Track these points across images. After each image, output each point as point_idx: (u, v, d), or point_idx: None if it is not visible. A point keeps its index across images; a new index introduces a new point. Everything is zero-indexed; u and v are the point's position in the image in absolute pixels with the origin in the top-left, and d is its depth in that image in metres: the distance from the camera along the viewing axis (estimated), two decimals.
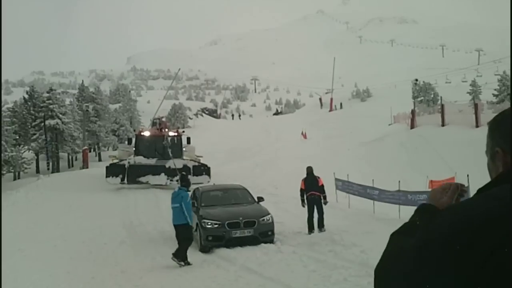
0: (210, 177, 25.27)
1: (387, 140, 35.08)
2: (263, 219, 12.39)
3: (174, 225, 11.01)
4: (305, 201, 14.15)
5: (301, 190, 14.42)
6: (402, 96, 60.21)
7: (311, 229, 13.52)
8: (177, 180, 22.63)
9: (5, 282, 9.62)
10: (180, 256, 10.37)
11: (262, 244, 11.78)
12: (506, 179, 1.28)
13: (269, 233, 12.29)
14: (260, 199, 14.09)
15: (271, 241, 12.13)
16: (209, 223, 12.16)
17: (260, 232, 12.14)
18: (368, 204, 17.83)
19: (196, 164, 26.17)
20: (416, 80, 57.39)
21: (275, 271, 9.03)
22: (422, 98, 56.25)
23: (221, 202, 13.77)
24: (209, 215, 12.47)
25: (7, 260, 12.02)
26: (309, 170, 14.79)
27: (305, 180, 14.48)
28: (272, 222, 12.51)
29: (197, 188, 15.27)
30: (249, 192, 14.74)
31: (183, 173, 12.14)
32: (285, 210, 18.32)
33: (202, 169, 25.66)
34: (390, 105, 51.79)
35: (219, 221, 12.14)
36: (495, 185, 1.31)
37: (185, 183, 11.51)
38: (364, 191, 18.74)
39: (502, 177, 1.32)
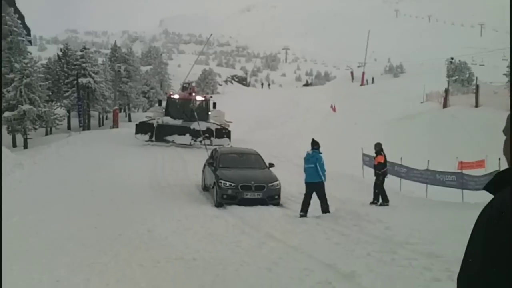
0: (230, 140, 26.90)
1: (418, 118, 34.70)
2: (272, 185, 13.67)
3: (308, 183, 12.32)
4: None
5: (381, 164, 14.85)
6: (436, 74, 59.00)
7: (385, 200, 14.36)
8: (200, 141, 25.24)
9: (34, 233, 9.94)
10: (326, 207, 12.05)
11: (288, 214, 11.99)
12: None
13: (276, 197, 13.63)
14: (271, 165, 15.35)
15: (277, 204, 13.52)
16: (225, 184, 13.51)
17: (268, 196, 13.49)
18: (395, 182, 17.77)
19: (219, 127, 27.68)
20: (452, 58, 56.04)
21: (299, 241, 9.08)
22: (457, 77, 54.98)
23: (237, 165, 15.01)
24: (225, 177, 13.78)
25: (37, 212, 12.42)
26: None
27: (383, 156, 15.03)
28: (279, 187, 13.80)
29: (216, 149, 17.00)
30: (261, 158, 15.83)
31: (313, 138, 12.87)
32: None
33: (224, 133, 27.31)
34: (423, 83, 50.88)
35: (234, 183, 13.52)
36: None
37: (317, 146, 12.66)
38: (391, 168, 18.64)
39: None
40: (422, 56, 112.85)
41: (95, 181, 16.99)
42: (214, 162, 15.15)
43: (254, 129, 38.21)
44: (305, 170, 12.56)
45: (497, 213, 1.11)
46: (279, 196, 13.73)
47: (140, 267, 7.38)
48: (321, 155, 12.55)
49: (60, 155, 24.09)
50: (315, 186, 12.21)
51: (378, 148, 15.10)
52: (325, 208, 12.06)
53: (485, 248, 1.10)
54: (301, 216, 11.81)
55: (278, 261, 7.59)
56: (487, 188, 1.30)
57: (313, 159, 12.33)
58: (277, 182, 13.85)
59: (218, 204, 13.42)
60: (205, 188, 15.97)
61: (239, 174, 14.06)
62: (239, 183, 13.52)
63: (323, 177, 12.26)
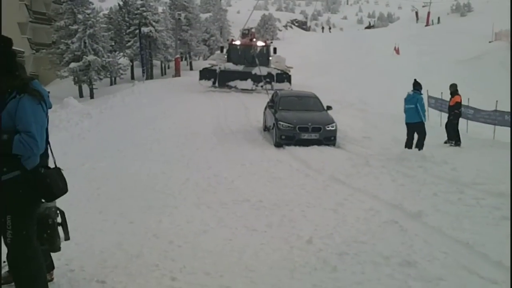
0: (290, 84, 27.22)
1: (486, 58, 33.21)
2: (328, 126, 14.13)
3: (408, 123, 12.87)
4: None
5: (458, 103, 14.90)
6: (505, 12, 55.74)
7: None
8: (262, 86, 26.29)
9: (105, 180, 10.36)
10: (422, 145, 12.56)
11: (351, 158, 11.92)
12: None
13: (332, 138, 14.10)
14: (329, 107, 15.76)
15: (334, 145, 14.02)
16: (284, 125, 14.14)
17: (325, 137, 14.02)
18: (462, 123, 17.23)
19: (279, 72, 27.97)
20: None
21: (364, 183, 9.05)
22: None
23: (295, 107, 15.49)
24: (284, 118, 14.37)
25: (107, 158, 12.91)
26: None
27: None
28: (336, 129, 14.20)
29: (276, 92, 17.55)
30: (320, 101, 16.18)
31: (416, 79, 13.06)
32: (374, 126, 18.09)
33: (284, 77, 27.67)
34: (492, 21, 48.21)
35: (292, 125, 14.11)
36: None
37: (418, 87, 12.92)
38: None
39: None
40: None
41: (160, 129, 17.37)
42: (274, 104, 15.86)
43: (315, 75, 37.65)
44: (405, 110, 12.99)
45: None
46: (335, 137, 14.13)
47: (208, 208, 7.59)
48: (421, 95, 12.93)
49: (125, 104, 24.72)
50: (415, 126, 12.73)
51: (453, 89, 15.03)
52: (419, 145, 12.57)
53: None
54: None
55: (343, 202, 7.63)
56: None
57: (414, 100, 12.69)
58: (334, 124, 14.24)
59: (277, 144, 14.13)
60: (266, 129, 16.58)
61: (297, 116, 14.54)
62: (297, 124, 14.08)
63: (423, 117, 12.75)
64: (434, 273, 4.77)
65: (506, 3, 67.23)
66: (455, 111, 14.74)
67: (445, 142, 14.59)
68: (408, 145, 12.75)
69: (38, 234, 3.73)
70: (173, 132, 16.80)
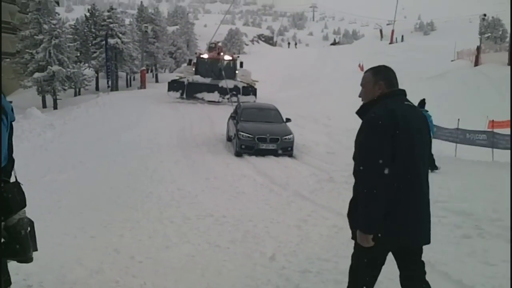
0: (256, 98, 28.40)
1: (449, 77, 33.99)
2: (285, 138, 15.09)
3: None
4: None
5: None
6: (468, 31, 57.52)
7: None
8: (228, 98, 27.12)
9: (67, 192, 10.17)
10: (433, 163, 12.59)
11: (315, 173, 12.01)
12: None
13: (289, 148, 15.06)
14: (288, 120, 16.57)
15: (290, 155, 14.93)
16: (244, 135, 15.01)
17: (282, 147, 14.96)
18: None
19: (245, 85, 29.20)
20: (485, 15, 54.36)
21: (327, 199, 9.13)
22: (490, 34, 53.42)
23: (256, 119, 16.40)
24: (244, 129, 15.24)
25: (69, 171, 12.67)
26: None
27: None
28: (293, 140, 15.18)
29: (239, 104, 18.73)
30: (279, 113, 17.09)
31: (423, 99, 13.64)
32: (338, 141, 18.30)
33: (250, 90, 28.89)
34: (454, 40, 49.56)
35: (251, 135, 15.02)
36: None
37: (423, 105, 13.37)
38: None
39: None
40: (454, 13, 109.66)
41: (124, 141, 17.19)
42: (236, 115, 16.81)
43: (281, 89, 37.96)
44: None
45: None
46: (292, 148, 15.11)
47: (171, 223, 7.53)
48: (428, 112, 13.24)
49: (89, 115, 24.39)
50: None
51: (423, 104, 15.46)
52: (431, 166, 12.52)
53: None
54: None
55: (307, 219, 7.67)
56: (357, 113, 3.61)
57: None
58: (291, 136, 15.22)
59: (237, 154, 15.02)
60: (229, 139, 17.34)
61: (257, 127, 15.50)
62: (256, 135, 15.02)
63: (432, 133, 12.78)
64: None
65: (467, 23, 69.36)
66: None
67: None
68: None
69: (11, 245, 3.64)
70: (138, 144, 16.64)
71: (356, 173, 3.37)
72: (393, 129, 3.20)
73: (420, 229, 3.42)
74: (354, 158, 3.42)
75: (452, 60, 46.44)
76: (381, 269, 3.59)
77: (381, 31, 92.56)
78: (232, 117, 17.37)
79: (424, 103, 13.52)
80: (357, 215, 3.38)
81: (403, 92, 3.63)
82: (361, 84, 3.77)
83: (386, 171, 3.17)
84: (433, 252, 5.85)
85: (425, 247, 6.00)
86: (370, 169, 3.21)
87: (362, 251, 3.40)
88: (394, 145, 3.19)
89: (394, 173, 3.20)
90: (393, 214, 3.25)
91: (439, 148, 17.36)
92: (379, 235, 3.26)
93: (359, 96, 3.78)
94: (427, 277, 4.99)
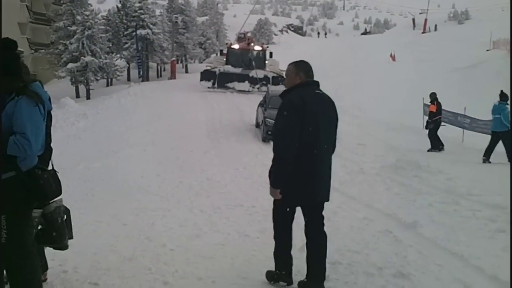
0: None
1: (483, 67, 33.22)
2: None
3: (494, 132, 13.37)
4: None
5: (432, 113, 15.69)
6: (505, 19, 55.97)
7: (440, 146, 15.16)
8: (258, 88, 28.19)
9: (100, 180, 10.36)
10: (488, 153, 12.93)
11: (346, 165, 11.86)
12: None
13: None
14: None
15: None
16: (271, 122, 14.48)
17: None
18: (458, 133, 17.26)
19: (275, 75, 29.46)
20: None
21: (358, 191, 9.02)
22: None
23: None
24: (272, 116, 14.75)
25: (102, 159, 12.91)
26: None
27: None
28: None
29: (268, 92, 18.50)
30: None
31: (502, 90, 13.74)
32: (368, 133, 18.11)
33: (279, 80, 28.53)
34: (490, 29, 48.24)
35: None
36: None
37: (504, 98, 13.39)
38: (454, 119, 18.09)
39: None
40: (491, 1, 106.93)
41: (155, 131, 17.39)
42: (265, 103, 17.21)
43: None
44: (492, 120, 13.70)
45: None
46: None
47: (201, 212, 7.60)
48: (507, 106, 13.25)
49: (121, 105, 24.72)
50: (500, 134, 13.15)
51: (433, 98, 15.71)
52: (509, 157, 12.75)
53: None
54: (484, 161, 12.83)
55: (337, 210, 7.59)
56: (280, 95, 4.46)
57: (499, 110, 13.25)
58: None
59: (264, 139, 15.65)
60: (257, 125, 18.01)
61: None
62: None
63: (507, 126, 13.02)
64: (428, 285, 4.70)
65: (505, 12, 67.65)
66: (427, 120, 15.66)
67: (428, 151, 14.93)
68: (488, 152, 13.01)
69: (48, 232, 3.76)
70: (168, 134, 16.82)
71: (273, 143, 4.28)
72: (301, 110, 4.08)
73: (318, 190, 4.33)
74: (272, 131, 4.31)
75: (487, 50, 45.28)
76: (293, 217, 4.55)
77: (413, 20, 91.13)
78: (261, 104, 17.87)
79: (505, 95, 13.44)
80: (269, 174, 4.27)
81: (316, 83, 4.50)
82: (285, 74, 4.75)
83: (293, 143, 4.06)
84: (467, 246, 5.77)
85: (457, 241, 5.96)
86: (281, 139, 4.15)
87: (277, 203, 4.43)
88: (301, 122, 4.08)
89: (300, 144, 4.08)
90: (296, 177, 4.16)
91: (474, 140, 16.96)
92: (283, 191, 4.19)
93: (283, 84, 5.00)
94: (460, 272, 4.92)
